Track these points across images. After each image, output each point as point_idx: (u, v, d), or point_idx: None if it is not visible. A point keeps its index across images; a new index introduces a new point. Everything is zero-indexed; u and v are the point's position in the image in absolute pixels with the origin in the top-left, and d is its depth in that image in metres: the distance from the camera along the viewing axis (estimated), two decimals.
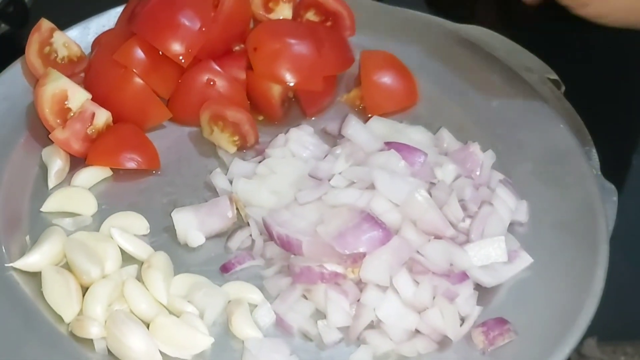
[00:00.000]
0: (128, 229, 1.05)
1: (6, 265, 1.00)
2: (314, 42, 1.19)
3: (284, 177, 1.08)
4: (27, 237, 1.05)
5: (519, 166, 1.10)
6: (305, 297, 0.99)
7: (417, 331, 0.95)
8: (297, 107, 1.22)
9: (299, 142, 1.13)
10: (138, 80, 1.15)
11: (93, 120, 1.13)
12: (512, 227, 1.04)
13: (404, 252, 0.97)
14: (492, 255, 0.99)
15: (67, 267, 1.00)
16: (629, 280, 1.10)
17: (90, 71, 1.20)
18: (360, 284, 0.97)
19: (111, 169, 1.13)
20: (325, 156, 1.10)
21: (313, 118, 1.21)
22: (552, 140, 1.11)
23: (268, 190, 1.07)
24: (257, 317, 0.97)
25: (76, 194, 1.09)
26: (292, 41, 1.18)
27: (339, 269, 0.97)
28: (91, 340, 0.94)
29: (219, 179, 1.10)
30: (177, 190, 1.11)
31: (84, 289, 0.98)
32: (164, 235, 1.06)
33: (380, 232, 0.96)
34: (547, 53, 1.20)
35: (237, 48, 1.21)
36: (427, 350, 0.94)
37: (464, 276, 0.96)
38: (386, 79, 1.22)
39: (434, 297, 0.95)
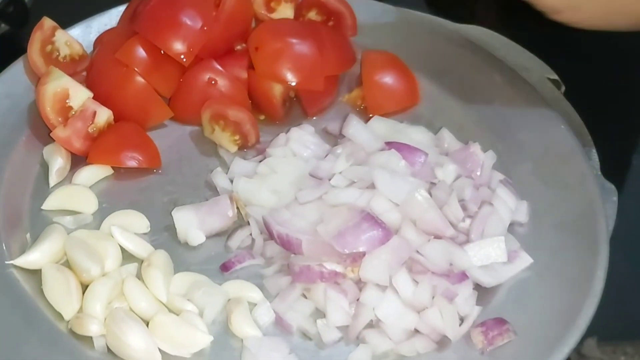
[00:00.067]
0: (128, 228, 1.05)
1: (7, 262, 1.01)
2: (315, 42, 1.19)
3: (284, 176, 1.08)
4: (28, 235, 1.05)
5: (519, 166, 1.10)
6: (304, 296, 0.99)
7: (416, 331, 0.95)
8: (299, 107, 1.22)
9: (300, 141, 1.13)
10: (139, 79, 1.15)
11: (94, 118, 1.13)
12: (512, 227, 1.04)
13: (403, 251, 0.97)
14: (492, 256, 0.99)
15: (68, 264, 1.00)
16: (629, 280, 1.10)
17: (92, 70, 1.20)
18: (359, 283, 0.97)
19: (112, 167, 1.13)
20: (326, 156, 1.10)
21: (314, 118, 1.21)
22: (553, 140, 1.11)
23: (268, 189, 1.07)
24: (257, 315, 0.97)
25: (77, 192, 1.09)
26: (294, 41, 1.18)
27: (338, 268, 0.97)
28: (91, 337, 0.95)
29: (219, 178, 1.11)
30: (177, 189, 1.12)
31: (84, 287, 0.98)
32: (164, 234, 1.06)
33: (380, 232, 0.96)
34: (547, 53, 1.20)
35: (238, 47, 1.21)
36: (426, 350, 0.94)
37: (463, 276, 0.96)
38: (387, 79, 1.22)
39: (433, 297, 0.95)
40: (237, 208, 1.07)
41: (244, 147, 1.16)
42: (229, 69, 1.18)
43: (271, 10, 1.27)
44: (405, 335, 0.95)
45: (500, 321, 0.95)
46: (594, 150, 1.12)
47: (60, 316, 0.97)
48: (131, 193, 1.11)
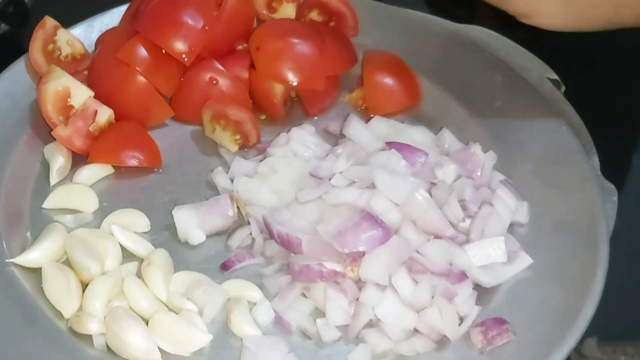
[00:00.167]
0: (129, 227, 1.05)
1: (7, 260, 1.01)
2: (316, 42, 1.19)
3: (285, 176, 1.08)
4: (28, 233, 1.05)
5: (519, 166, 1.10)
6: (304, 295, 0.99)
7: (416, 330, 0.95)
8: (300, 107, 1.22)
9: (301, 141, 1.13)
10: (141, 78, 1.15)
11: (95, 117, 1.13)
12: (512, 227, 1.04)
13: (403, 251, 0.97)
14: (492, 256, 0.99)
15: (68, 263, 1.00)
16: (629, 280, 1.10)
17: (93, 69, 1.20)
18: (359, 283, 0.97)
19: (113, 166, 1.13)
20: (327, 156, 1.10)
21: (315, 118, 1.21)
22: (553, 140, 1.11)
23: (269, 189, 1.07)
24: (256, 315, 0.97)
25: (78, 191, 1.10)
26: (295, 41, 1.18)
27: (338, 268, 0.97)
28: (90, 336, 0.95)
29: (220, 178, 1.11)
30: (178, 189, 1.12)
31: (84, 286, 0.98)
32: (164, 233, 1.06)
33: (379, 231, 0.96)
34: (547, 53, 1.19)
35: (240, 47, 1.21)
36: (426, 350, 0.94)
37: (463, 276, 0.96)
38: (388, 79, 1.22)
39: (432, 297, 0.95)
40: (238, 207, 1.07)
41: (244, 147, 1.16)
42: (230, 69, 1.18)
43: (273, 10, 1.27)
44: (405, 334, 0.95)
45: (500, 321, 0.95)
46: (594, 150, 1.12)
47: (60, 314, 0.97)
48: (132, 192, 1.11)
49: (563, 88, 1.19)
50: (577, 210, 1.04)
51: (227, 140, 1.16)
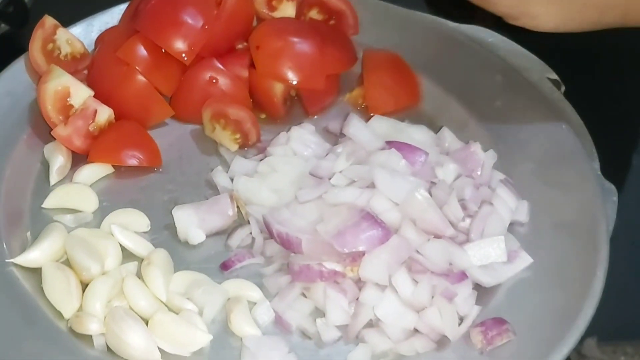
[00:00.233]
0: (129, 226, 1.05)
1: (7, 260, 1.01)
2: (316, 40, 1.19)
3: (284, 175, 1.08)
4: (28, 233, 1.05)
5: (519, 166, 1.10)
6: (304, 295, 0.99)
7: (416, 330, 0.95)
8: (299, 106, 1.22)
9: (301, 140, 1.13)
10: (140, 77, 1.15)
11: (95, 117, 1.13)
12: (512, 227, 1.04)
13: (403, 251, 0.96)
14: (492, 255, 0.99)
15: (68, 263, 1.00)
16: (629, 280, 1.10)
17: (93, 68, 1.20)
18: (359, 283, 0.97)
19: (113, 166, 1.13)
20: (327, 155, 1.10)
21: (315, 117, 1.21)
22: (554, 140, 1.11)
23: (269, 188, 1.07)
24: (256, 314, 0.97)
25: (77, 191, 1.10)
26: (295, 40, 1.18)
27: (338, 268, 0.97)
28: (90, 336, 0.95)
29: (220, 177, 1.11)
30: (178, 188, 1.12)
31: (84, 286, 0.98)
32: (164, 233, 1.06)
33: (379, 231, 0.96)
34: (547, 53, 1.19)
35: (239, 46, 1.21)
36: (426, 350, 0.94)
37: (462, 276, 0.96)
38: (388, 78, 1.22)
39: (432, 297, 0.95)
40: (238, 207, 1.07)
41: (244, 146, 1.16)
42: (230, 68, 1.18)
43: (272, 9, 1.27)
44: (405, 334, 0.95)
45: (500, 321, 0.94)
46: (594, 150, 1.12)
47: (60, 314, 0.97)
48: (132, 191, 1.11)
49: (563, 88, 1.19)
50: (577, 210, 1.04)
51: (227, 139, 1.16)
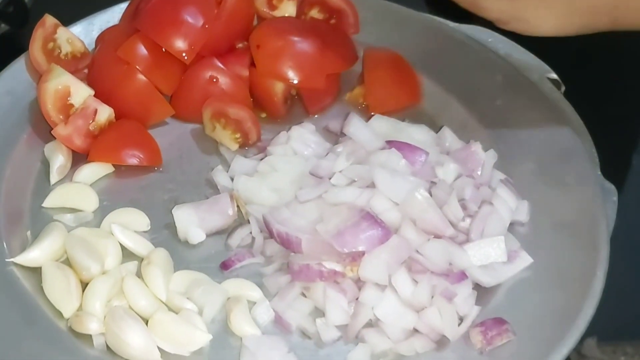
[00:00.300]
0: (129, 225, 1.05)
1: (7, 260, 1.01)
2: (317, 40, 1.19)
3: (285, 174, 1.08)
4: (28, 233, 1.05)
5: (520, 166, 1.10)
6: (304, 295, 0.99)
7: (415, 330, 0.95)
8: (300, 105, 1.22)
9: (301, 140, 1.13)
10: (141, 76, 1.15)
11: (95, 116, 1.13)
12: (512, 227, 1.03)
13: (403, 251, 0.96)
14: (492, 255, 0.99)
15: (68, 262, 1.00)
16: (629, 280, 1.10)
17: (93, 67, 1.20)
18: (359, 283, 0.97)
19: (113, 165, 1.13)
20: (327, 154, 1.10)
21: (315, 116, 1.21)
22: (554, 140, 1.11)
23: (269, 188, 1.07)
24: (256, 314, 0.97)
25: (78, 190, 1.10)
26: (295, 39, 1.18)
27: (337, 267, 0.97)
28: (90, 335, 0.95)
29: (220, 176, 1.11)
30: (178, 187, 1.12)
31: (84, 285, 0.98)
32: (164, 232, 1.06)
33: (379, 231, 0.96)
34: (547, 53, 1.19)
35: (240, 45, 1.21)
36: (425, 350, 0.94)
37: (462, 276, 0.96)
38: (389, 77, 1.22)
39: (432, 297, 0.95)
40: (238, 206, 1.07)
41: (245, 145, 1.16)
42: (231, 67, 1.18)
43: (273, 8, 1.27)
44: (404, 334, 0.95)
45: (499, 321, 0.94)
46: (594, 150, 1.12)
47: (59, 314, 0.97)
48: (132, 191, 1.11)
49: (563, 88, 1.19)
50: (577, 210, 1.04)
51: (227, 138, 1.16)
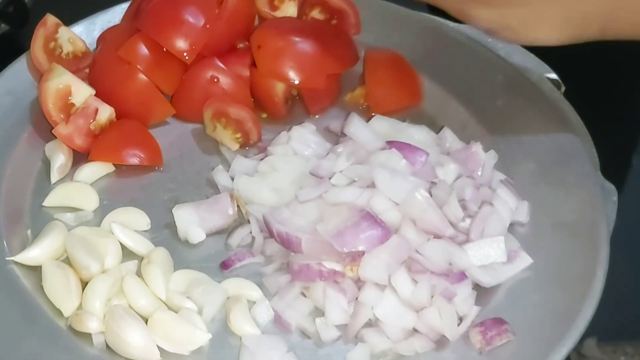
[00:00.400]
0: (129, 225, 1.05)
1: (7, 258, 1.01)
2: (318, 40, 1.19)
3: (285, 174, 1.08)
4: (29, 231, 1.05)
5: (520, 166, 1.10)
6: (303, 294, 0.99)
7: (415, 330, 0.95)
8: (301, 105, 1.22)
9: (301, 140, 1.13)
10: (142, 76, 1.15)
11: (96, 115, 1.13)
12: (512, 227, 1.03)
13: (402, 251, 0.96)
14: (492, 255, 0.99)
15: (68, 261, 1.00)
16: (629, 280, 1.10)
17: (94, 67, 1.20)
18: (358, 282, 0.97)
19: (113, 164, 1.13)
20: (327, 154, 1.10)
21: (316, 116, 1.21)
22: (554, 140, 1.11)
23: (269, 187, 1.07)
24: (256, 314, 0.97)
25: (78, 189, 1.10)
26: (297, 39, 1.18)
27: (337, 267, 0.97)
28: (90, 334, 0.95)
29: (220, 176, 1.11)
30: (179, 187, 1.12)
31: (84, 284, 0.98)
32: (164, 232, 1.06)
33: (379, 231, 0.96)
34: (547, 53, 1.19)
35: (241, 45, 1.21)
36: (425, 349, 0.94)
37: (462, 276, 0.96)
38: (390, 77, 1.22)
39: (432, 297, 0.95)
40: (238, 206, 1.07)
41: (245, 145, 1.16)
42: (231, 67, 1.18)
43: (274, 8, 1.27)
44: (404, 334, 0.95)
45: (499, 321, 0.94)
46: (594, 150, 1.12)
47: (59, 313, 0.97)
48: (132, 190, 1.11)
49: (563, 88, 1.19)
50: (577, 210, 1.04)
51: (227, 138, 1.16)
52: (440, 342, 0.95)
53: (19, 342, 0.94)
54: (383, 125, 1.13)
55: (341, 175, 1.05)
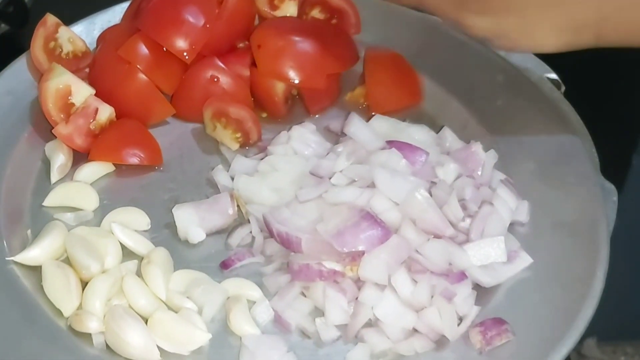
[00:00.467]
0: (129, 225, 1.05)
1: (7, 259, 1.01)
2: (318, 40, 1.19)
3: (285, 174, 1.08)
4: (29, 231, 1.05)
5: (520, 166, 1.10)
6: (303, 294, 0.99)
7: (415, 330, 0.95)
8: (301, 105, 1.22)
9: (301, 139, 1.13)
10: (142, 76, 1.15)
11: (96, 115, 1.13)
12: (512, 227, 1.03)
13: (402, 251, 0.96)
14: (492, 255, 0.99)
15: (68, 261, 1.00)
16: (629, 280, 1.10)
17: (94, 67, 1.20)
18: (358, 282, 0.97)
19: (113, 164, 1.13)
20: (327, 154, 1.10)
21: (316, 116, 1.21)
22: (554, 140, 1.11)
23: (269, 187, 1.07)
24: (256, 314, 0.97)
25: (78, 189, 1.10)
26: (297, 39, 1.18)
27: (337, 267, 0.97)
28: (90, 334, 0.95)
29: (220, 176, 1.11)
30: (179, 187, 1.12)
31: (84, 284, 0.98)
32: (164, 231, 1.06)
33: (379, 231, 0.96)
34: (547, 53, 1.19)
35: (241, 45, 1.21)
36: (425, 349, 0.94)
37: (462, 276, 0.96)
38: (390, 77, 1.22)
39: (432, 297, 0.95)
40: (238, 206, 1.07)
41: (245, 145, 1.16)
42: (231, 67, 1.18)
43: (274, 7, 1.27)
44: (404, 334, 0.95)
45: (499, 321, 0.94)
46: (594, 150, 1.12)
47: (59, 313, 0.97)
48: (132, 190, 1.11)
49: (563, 88, 1.19)
50: (577, 210, 1.04)
51: (228, 138, 1.16)
52: (440, 342, 0.95)
53: (19, 342, 0.94)
54: (383, 125, 1.13)
55: (341, 175, 1.05)
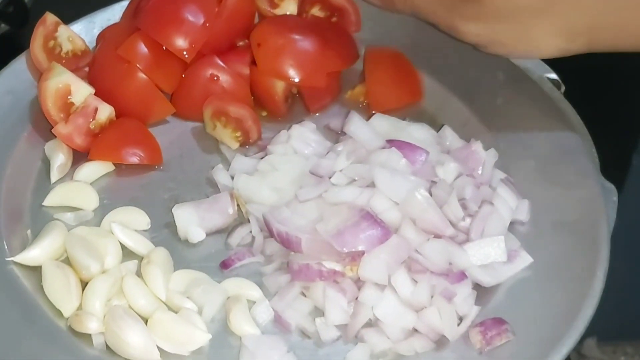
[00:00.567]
0: (129, 224, 1.05)
1: (7, 259, 1.01)
2: (318, 38, 1.19)
3: (285, 174, 1.08)
4: (29, 231, 1.05)
5: (521, 165, 1.10)
6: (303, 294, 0.99)
7: (415, 330, 0.95)
8: (301, 103, 1.21)
9: (301, 138, 1.12)
10: (141, 75, 1.15)
11: (96, 115, 1.13)
12: (512, 226, 1.03)
13: (402, 250, 0.96)
14: (492, 255, 0.98)
15: (68, 261, 1.00)
16: (629, 280, 1.09)
17: (94, 66, 1.20)
18: (358, 282, 0.97)
19: (113, 163, 1.13)
20: (327, 153, 1.10)
21: (316, 114, 1.20)
22: (555, 139, 1.11)
23: (269, 187, 1.07)
24: (256, 313, 0.97)
25: (78, 189, 1.10)
26: (296, 37, 1.18)
27: (337, 267, 0.97)
28: (89, 335, 0.95)
29: (220, 175, 1.11)
30: (179, 186, 1.12)
31: (84, 284, 0.98)
32: (164, 231, 1.06)
33: (379, 231, 0.96)
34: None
35: (241, 43, 1.21)
36: (425, 349, 0.94)
37: (462, 276, 0.96)
38: (390, 75, 1.22)
39: (432, 297, 0.95)
40: (238, 205, 1.07)
41: (245, 144, 1.16)
42: (231, 65, 1.18)
43: (274, 6, 1.26)
44: (404, 334, 0.95)
45: (499, 321, 0.94)
46: (594, 150, 1.12)
47: (59, 313, 0.97)
48: (132, 189, 1.11)
49: (563, 88, 1.19)
50: (577, 209, 1.04)
51: (227, 137, 1.15)
52: (440, 342, 0.95)
53: (19, 342, 0.94)
54: (383, 124, 1.13)
55: (341, 175, 1.04)
